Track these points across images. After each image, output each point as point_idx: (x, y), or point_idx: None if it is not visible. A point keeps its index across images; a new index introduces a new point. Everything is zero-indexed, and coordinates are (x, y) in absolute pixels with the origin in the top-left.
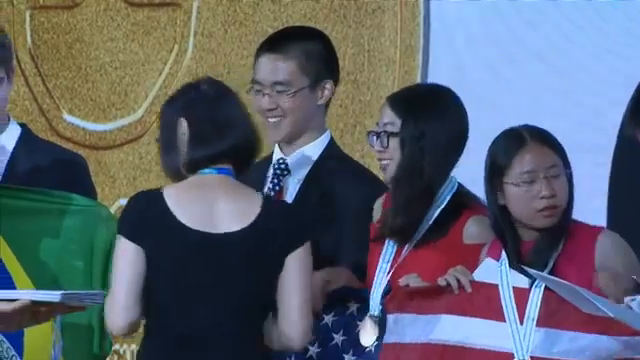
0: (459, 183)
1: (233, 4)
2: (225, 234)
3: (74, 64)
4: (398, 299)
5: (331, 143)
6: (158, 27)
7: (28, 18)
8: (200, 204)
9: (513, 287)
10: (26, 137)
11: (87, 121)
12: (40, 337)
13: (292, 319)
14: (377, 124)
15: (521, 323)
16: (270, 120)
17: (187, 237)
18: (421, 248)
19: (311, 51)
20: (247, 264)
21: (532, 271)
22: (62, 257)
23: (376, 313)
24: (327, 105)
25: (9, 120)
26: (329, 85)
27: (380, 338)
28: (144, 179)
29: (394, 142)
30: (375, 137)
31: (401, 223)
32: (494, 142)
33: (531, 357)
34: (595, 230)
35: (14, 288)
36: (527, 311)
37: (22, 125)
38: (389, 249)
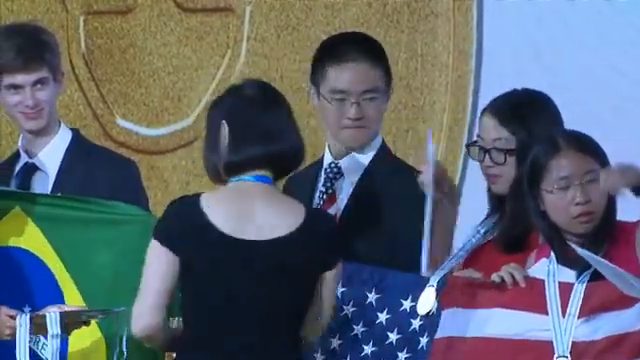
0: None
1: (286, 9)
2: (264, 242)
3: (127, 69)
4: (453, 294)
5: (383, 146)
6: (211, 32)
7: (82, 23)
8: (237, 211)
9: (559, 282)
10: (77, 142)
11: (140, 126)
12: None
13: (316, 331)
14: (479, 137)
15: (563, 316)
16: (356, 129)
17: (224, 244)
18: (499, 249)
19: (383, 58)
20: (283, 274)
21: (582, 251)
22: (111, 269)
23: (436, 285)
24: None
25: (60, 124)
26: (391, 90)
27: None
28: (197, 184)
29: (511, 158)
30: (484, 153)
31: (517, 235)
32: (533, 149)
33: (574, 342)
34: (636, 223)
35: (62, 301)
36: (569, 306)
37: (73, 130)
38: (472, 241)
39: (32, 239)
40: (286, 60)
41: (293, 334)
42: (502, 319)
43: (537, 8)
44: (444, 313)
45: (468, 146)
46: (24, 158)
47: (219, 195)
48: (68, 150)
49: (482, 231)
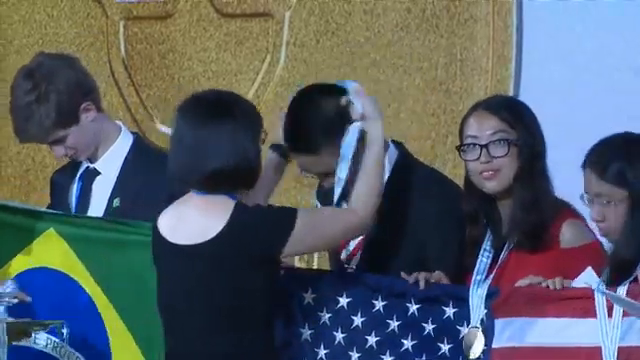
0: None
1: (325, 14)
2: (194, 245)
3: (167, 74)
4: (510, 304)
5: (400, 156)
6: (250, 37)
7: (122, 29)
8: (176, 219)
9: (607, 289)
10: (137, 147)
11: None
12: None
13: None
14: (470, 136)
15: (609, 317)
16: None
17: (168, 251)
18: (523, 253)
19: None
20: (217, 273)
21: (609, 293)
22: (146, 287)
23: (478, 324)
24: None
25: (120, 129)
26: None
27: (486, 345)
28: None
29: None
30: (480, 149)
31: (535, 224)
32: None
33: (620, 347)
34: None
35: (100, 319)
36: (614, 311)
37: (134, 134)
38: (483, 261)
39: (65, 260)
40: (325, 65)
41: (234, 331)
42: (556, 327)
43: (578, 11)
44: (499, 322)
45: (459, 148)
46: (85, 162)
47: (171, 207)
48: (128, 155)
49: (489, 247)
